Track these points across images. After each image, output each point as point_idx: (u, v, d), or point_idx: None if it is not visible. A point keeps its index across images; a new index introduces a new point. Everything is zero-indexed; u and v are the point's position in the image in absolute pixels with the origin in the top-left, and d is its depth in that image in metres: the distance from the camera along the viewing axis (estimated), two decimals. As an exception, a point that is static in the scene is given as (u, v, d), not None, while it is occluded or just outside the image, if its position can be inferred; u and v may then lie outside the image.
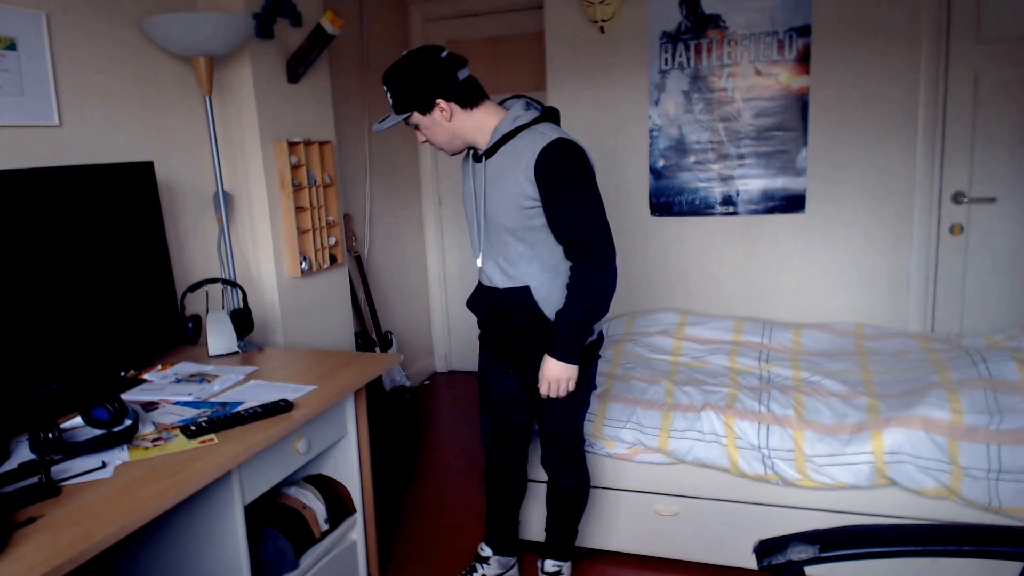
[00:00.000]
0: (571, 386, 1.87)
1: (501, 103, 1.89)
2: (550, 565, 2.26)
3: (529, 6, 3.90)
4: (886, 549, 0.95)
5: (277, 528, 1.90)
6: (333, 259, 2.94)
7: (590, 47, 3.38)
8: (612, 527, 2.42)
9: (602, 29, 3.32)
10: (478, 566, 2.32)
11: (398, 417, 3.43)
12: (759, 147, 3.20)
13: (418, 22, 4.19)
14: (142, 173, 2.18)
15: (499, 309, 1.94)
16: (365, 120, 3.77)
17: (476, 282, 2.07)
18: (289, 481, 2.09)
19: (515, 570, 2.36)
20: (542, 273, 1.85)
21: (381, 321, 3.87)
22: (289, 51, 2.72)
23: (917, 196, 3.06)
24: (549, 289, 1.85)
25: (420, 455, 3.40)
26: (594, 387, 2.07)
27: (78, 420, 1.72)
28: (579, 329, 1.82)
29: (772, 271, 3.30)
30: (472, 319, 2.12)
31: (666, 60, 3.27)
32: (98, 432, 1.62)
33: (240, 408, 1.80)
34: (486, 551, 2.33)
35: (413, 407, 3.59)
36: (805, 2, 3.04)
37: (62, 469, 1.50)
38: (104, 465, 1.52)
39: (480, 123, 1.82)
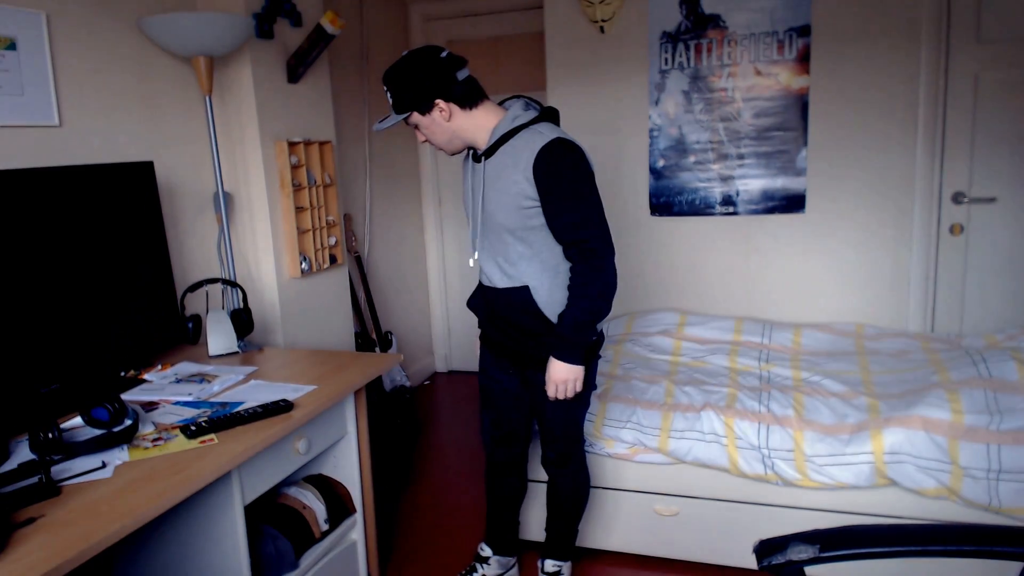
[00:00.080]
0: (578, 387, 1.87)
1: (500, 103, 1.89)
2: (550, 565, 2.25)
3: (529, 6, 3.90)
4: (886, 549, 0.95)
5: (277, 528, 1.90)
6: (333, 259, 2.94)
7: (590, 47, 3.38)
8: (612, 527, 2.43)
9: (602, 29, 3.32)
10: (478, 566, 2.32)
11: (398, 417, 3.43)
12: (759, 147, 3.20)
13: (418, 22, 4.19)
14: (142, 173, 2.18)
15: (499, 309, 1.95)
16: (365, 120, 3.77)
17: (476, 282, 2.07)
18: (289, 481, 2.09)
19: (515, 570, 2.36)
20: (542, 273, 1.85)
21: (381, 321, 3.87)
22: (289, 51, 2.72)
23: (917, 196, 3.06)
24: (549, 289, 1.86)
25: (420, 455, 3.40)
26: (594, 387, 2.07)
27: (78, 420, 1.72)
28: (583, 330, 1.82)
29: (772, 271, 3.30)
30: (472, 319, 2.13)
31: (666, 60, 3.27)
32: (98, 432, 1.62)
33: (240, 408, 1.80)
34: (486, 551, 2.33)
35: (413, 407, 3.59)
36: (805, 2, 3.04)
37: (62, 469, 1.50)
38: (104, 465, 1.52)
39: (479, 123, 1.83)
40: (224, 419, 1.71)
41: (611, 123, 3.40)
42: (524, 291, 1.86)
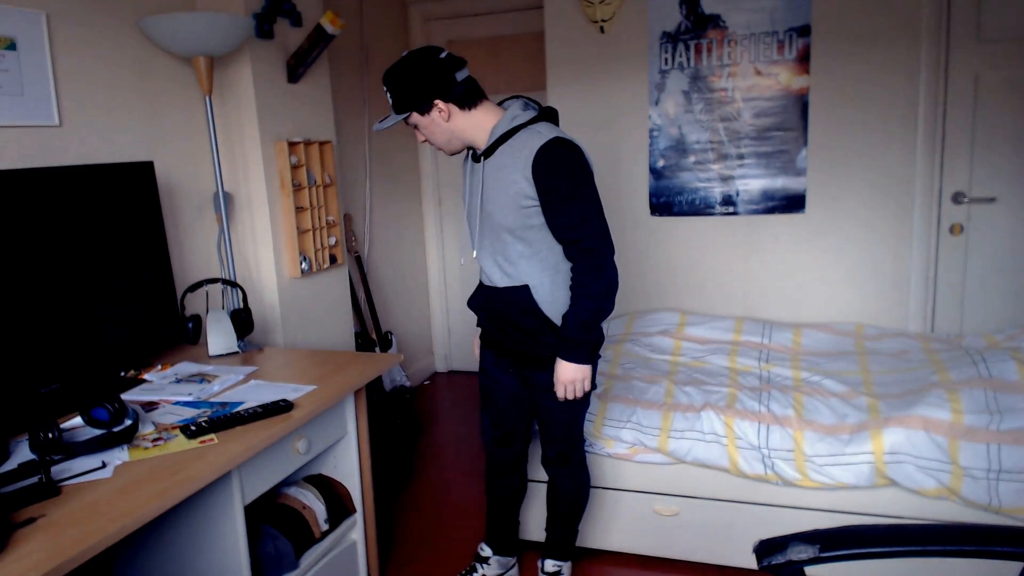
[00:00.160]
0: (587, 386, 1.89)
1: (499, 104, 1.89)
2: (550, 565, 2.26)
3: (529, 6, 3.90)
4: (886, 549, 0.95)
5: (277, 528, 1.90)
6: (333, 259, 2.94)
7: (590, 47, 3.38)
8: (612, 527, 2.43)
9: (602, 29, 3.33)
10: (478, 566, 2.32)
11: (398, 417, 3.43)
12: (759, 147, 3.20)
13: (418, 22, 4.19)
14: (142, 173, 2.18)
15: (499, 308, 1.95)
16: (365, 120, 3.77)
17: (476, 282, 2.07)
18: (289, 481, 2.09)
19: (515, 570, 2.36)
20: (542, 272, 1.85)
21: (381, 321, 3.87)
22: (289, 51, 2.72)
23: (917, 196, 3.06)
24: (549, 288, 1.86)
25: (420, 455, 3.40)
26: (594, 387, 2.07)
27: (78, 420, 1.72)
28: (588, 329, 1.83)
29: (772, 271, 3.30)
30: (472, 319, 2.13)
31: (666, 60, 3.27)
32: (98, 432, 1.62)
33: (240, 408, 1.80)
34: (486, 551, 2.33)
35: (413, 407, 3.59)
36: (805, 2, 3.04)
37: (62, 469, 1.50)
38: (104, 465, 1.52)
39: (478, 123, 1.83)
40: (224, 419, 1.71)
41: (611, 123, 3.40)
42: (524, 290, 1.86)
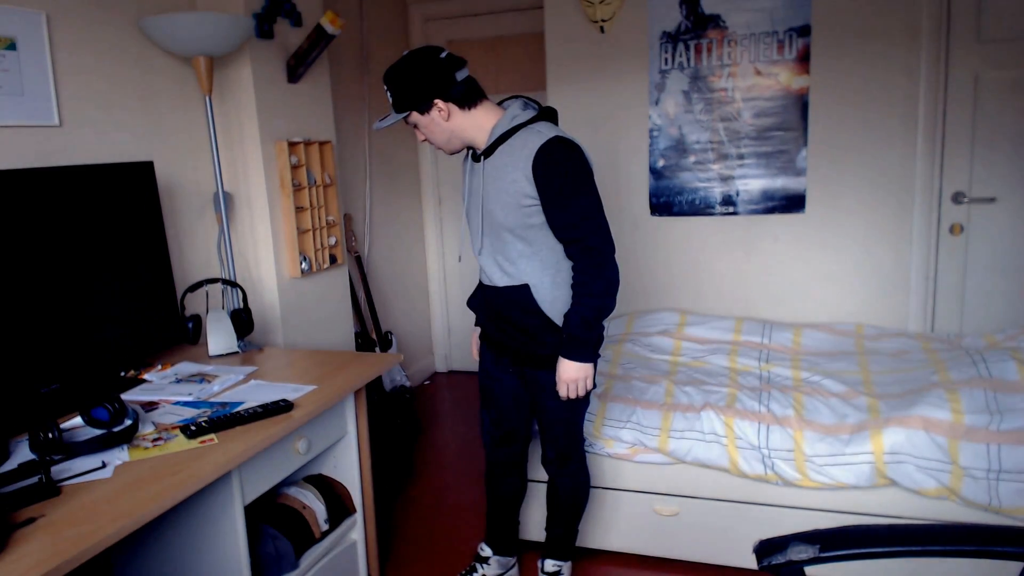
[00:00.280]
0: (589, 384, 1.89)
1: (499, 103, 1.89)
2: (550, 565, 2.25)
3: (529, 6, 3.90)
4: (886, 549, 0.95)
5: (277, 528, 1.90)
6: (333, 259, 2.94)
7: (590, 47, 3.38)
8: (612, 527, 2.42)
9: (602, 29, 3.32)
10: (478, 566, 2.32)
11: (398, 417, 3.43)
12: (759, 147, 3.20)
13: (418, 22, 4.19)
14: (142, 173, 2.18)
15: (499, 308, 1.95)
16: (365, 120, 3.77)
17: (475, 282, 2.08)
18: (289, 481, 2.09)
19: (515, 570, 2.36)
20: (542, 271, 1.85)
21: (381, 321, 3.87)
22: (289, 51, 2.72)
23: (917, 196, 3.06)
24: (549, 287, 1.86)
25: (420, 455, 3.40)
26: (594, 387, 2.07)
27: (78, 420, 1.72)
28: (590, 327, 1.83)
29: (772, 271, 3.30)
30: (471, 318, 2.13)
31: (666, 60, 3.27)
32: (98, 432, 1.62)
33: (240, 408, 1.80)
34: (486, 551, 2.33)
35: (413, 407, 3.59)
36: (805, 2, 3.04)
37: (62, 469, 1.50)
38: (104, 465, 1.52)
39: (478, 123, 1.83)
40: (224, 419, 1.71)
41: (611, 123, 3.40)
42: (524, 289, 1.86)
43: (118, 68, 2.29)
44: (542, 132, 1.77)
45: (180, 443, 1.62)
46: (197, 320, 2.29)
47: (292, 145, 2.68)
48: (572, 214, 1.77)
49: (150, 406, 1.87)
